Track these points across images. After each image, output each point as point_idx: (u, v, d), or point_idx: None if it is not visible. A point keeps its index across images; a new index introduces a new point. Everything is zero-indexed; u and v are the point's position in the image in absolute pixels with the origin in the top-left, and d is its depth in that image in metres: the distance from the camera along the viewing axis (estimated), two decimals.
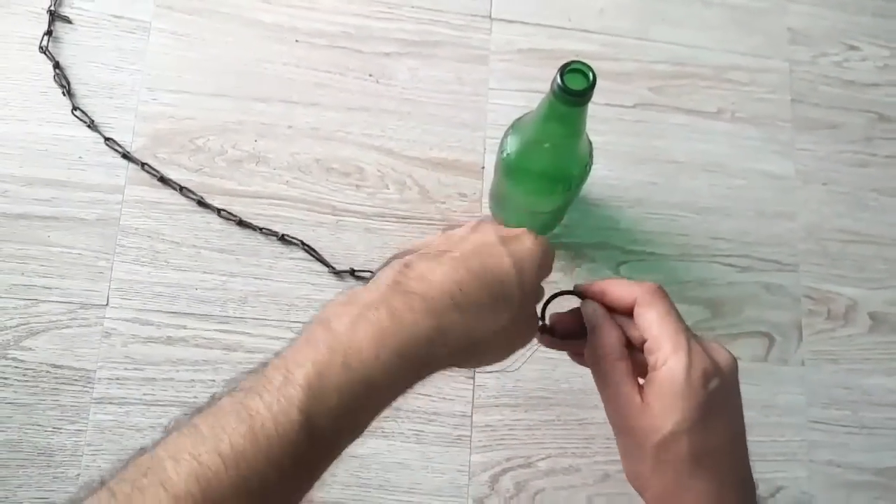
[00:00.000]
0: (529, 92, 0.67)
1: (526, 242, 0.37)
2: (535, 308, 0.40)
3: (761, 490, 0.62)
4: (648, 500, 0.38)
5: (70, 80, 0.63)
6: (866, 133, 0.71)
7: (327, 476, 0.59)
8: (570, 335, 0.43)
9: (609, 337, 0.39)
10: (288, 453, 0.29)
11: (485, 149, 0.66)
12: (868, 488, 0.62)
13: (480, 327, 0.34)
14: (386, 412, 0.33)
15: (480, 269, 0.35)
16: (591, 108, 0.69)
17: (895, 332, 0.66)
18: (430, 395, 0.60)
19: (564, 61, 0.45)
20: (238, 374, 0.32)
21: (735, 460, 0.38)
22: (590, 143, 0.55)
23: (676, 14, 0.71)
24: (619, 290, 0.40)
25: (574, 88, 0.45)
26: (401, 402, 0.63)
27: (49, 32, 0.63)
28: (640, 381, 0.39)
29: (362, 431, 0.32)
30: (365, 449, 0.58)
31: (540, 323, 0.43)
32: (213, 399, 0.31)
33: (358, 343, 0.31)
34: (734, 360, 0.38)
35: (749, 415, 0.62)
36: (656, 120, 0.68)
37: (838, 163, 0.70)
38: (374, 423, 0.33)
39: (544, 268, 0.38)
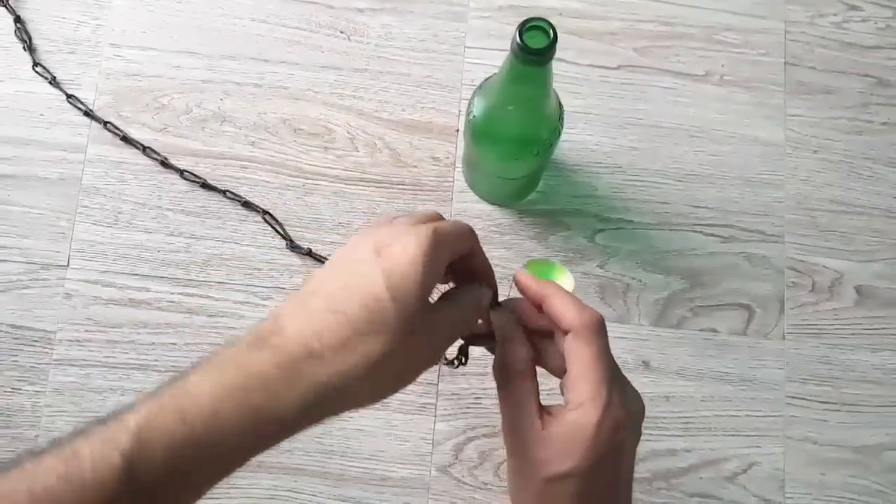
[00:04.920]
0: (508, 51, 0.64)
1: (405, 250, 0.33)
2: (432, 316, 0.35)
3: (734, 466, 0.60)
4: None
5: (31, 34, 0.61)
6: (863, 98, 0.67)
7: (287, 442, 0.57)
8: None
9: (519, 353, 0.38)
10: (105, 503, 0.27)
11: (460, 111, 0.63)
12: (844, 466, 0.61)
13: (346, 366, 0.32)
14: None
15: (346, 304, 0.33)
16: (573, 69, 0.67)
17: (882, 306, 0.64)
18: None
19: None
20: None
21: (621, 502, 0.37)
22: (560, 105, 0.53)
23: None
24: (561, 308, 0.37)
25: (534, 47, 0.43)
26: None
27: None
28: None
29: (205, 489, 0.31)
30: None
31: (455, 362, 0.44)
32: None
33: (198, 396, 0.30)
34: (643, 408, 0.38)
35: (725, 389, 0.62)
36: (641, 82, 0.65)
37: (832, 129, 0.67)
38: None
39: (430, 273, 0.33)
